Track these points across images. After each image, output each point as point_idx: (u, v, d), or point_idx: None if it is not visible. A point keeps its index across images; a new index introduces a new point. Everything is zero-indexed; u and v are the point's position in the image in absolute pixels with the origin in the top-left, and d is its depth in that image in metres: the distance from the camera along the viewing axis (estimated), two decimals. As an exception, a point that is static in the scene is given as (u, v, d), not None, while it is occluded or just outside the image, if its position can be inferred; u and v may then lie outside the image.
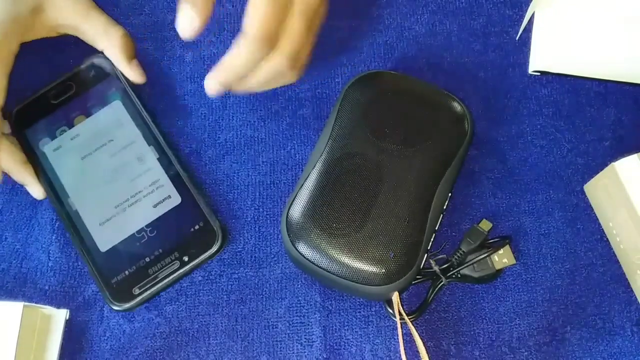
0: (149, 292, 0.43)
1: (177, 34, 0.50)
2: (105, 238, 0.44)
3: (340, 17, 0.52)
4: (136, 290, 0.43)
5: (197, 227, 0.44)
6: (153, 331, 0.44)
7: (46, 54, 0.50)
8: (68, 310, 0.44)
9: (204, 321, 0.44)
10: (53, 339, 0.43)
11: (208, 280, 0.45)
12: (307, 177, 0.43)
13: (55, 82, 0.48)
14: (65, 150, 0.46)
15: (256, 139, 0.48)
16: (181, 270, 0.43)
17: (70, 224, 0.45)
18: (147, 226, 0.44)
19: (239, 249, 0.46)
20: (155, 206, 0.45)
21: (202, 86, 0.44)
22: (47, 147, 0.46)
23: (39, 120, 0.47)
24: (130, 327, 0.44)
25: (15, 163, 0.45)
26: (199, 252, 0.44)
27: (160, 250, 0.44)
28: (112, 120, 0.47)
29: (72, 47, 0.49)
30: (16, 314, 0.39)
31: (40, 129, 0.47)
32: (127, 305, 0.43)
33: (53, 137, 0.47)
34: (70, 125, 0.47)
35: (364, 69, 0.49)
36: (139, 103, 0.47)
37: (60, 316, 0.43)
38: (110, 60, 0.48)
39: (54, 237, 0.46)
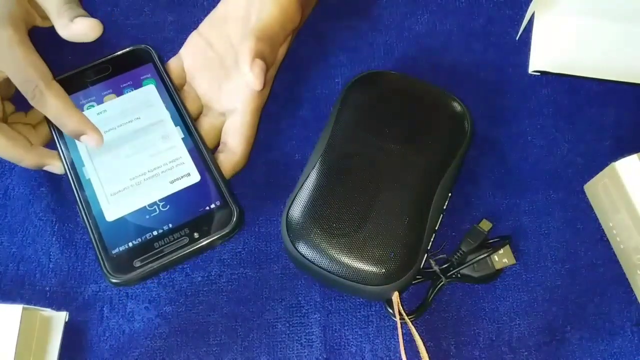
0: (151, 265, 0.41)
1: (177, 34, 0.51)
2: (114, 208, 0.43)
3: (340, 17, 0.52)
4: (137, 263, 0.41)
5: (213, 205, 0.43)
6: (153, 331, 0.44)
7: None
8: (67, 313, 0.44)
9: (204, 321, 0.44)
10: (52, 341, 0.42)
11: (207, 280, 0.45)
12: (307, 177, 0.43)
13: (92, 63, 0.48)
14: None
15: (255, 139, 0.48)
16: (189, 247, 0.41)
17: (79, 193, 0.44)
18: (160, 200, 0.43)
19: (239, 249, 0.46)
20: (172, 182, 0.44)
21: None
22: None
23: (70, 95, 0.46)
24: (130, 327, 0.44)
25: (27, 150, 0.44)
26: (211, 231, 0.42)
27: (170, 225, 0.42)
28: (143, 100, 0.46)
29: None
30: (15, 317, 0.39)
31: None
32: (124, 277, 0.40)
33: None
34: (100, 102, 0.47)
35: (363, 69, 0.49)
36: (173, 89, 0.47)
37: (59, 318, 0.43)
38: (150, 49, 0.48)
39: (54, 239, 0.46)
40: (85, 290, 0.45)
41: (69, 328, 0.44)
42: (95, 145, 0.44)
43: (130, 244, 0.42)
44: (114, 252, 0.42)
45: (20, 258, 0.45)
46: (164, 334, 0.44)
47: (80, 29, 0.47)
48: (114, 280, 0.41)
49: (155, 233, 0.42)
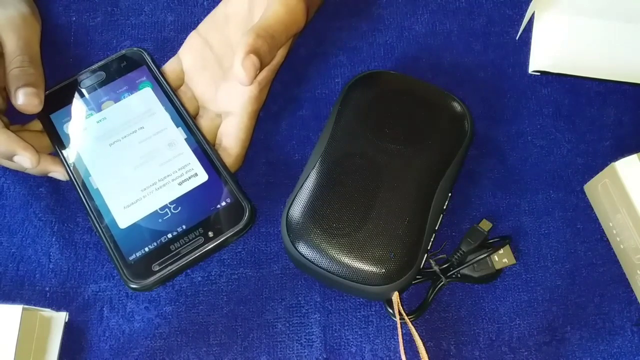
0: (169, 268, 0.41)
1: (177, 34, 0.51)
2: (126, 215, 0.43)
3: (340, 17, 0.52)
4: (156, 267, 0.41)
5: (223, 203, 0.43)
6: (153, 331, 0.44)
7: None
8: (67, 313, 0.44)
9: (204, 321, 0.44)
10: (52, 341, 0.42)
11: (207, 280, 0.45)
12: (307, 177, 0.43)
13: (85, 70, 0.48)
14: (90, 132, 0.46)
15: (255, 139, 0.48)
16: (205, 247, 0.41)
17: (89, 202, 0.43)
18: (170, 203, 0.43)
19: (239, 249, 0.46)
20: (180, 184, 0.44)
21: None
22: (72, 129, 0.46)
23: (66, 106, 0.46)
24: (130, 327, 0.44)
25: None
26: (225, 228, 0.42)
27: (184, 227, 0.42)
28: (142, 105, 0.46)
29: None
30: (15, 317, 0.39)
31: (67, 112, 0.46)
32: (145, 282, 0.40)
33: None
34: (98, 110, 0.46)
35: (364, 69, 0.49)
36: (169, 89, 0.46)
37: (59, 319, 0.43)
38: (142, 52, 0.48)
39: (53, 239, 0.46)
40: (85, 290, 0.45)
41: (69, 328, 0.44)
42: (29, 164, 0.43)
43: (147, 249, 0.42)
44: (130, 258, 0.42)
45: (20, 258, 0.45)
46: (164, 334, 0.44)
47: (19, 103, 0.43)
48: (133, 286, 0.41)
49: (170, 236, 0.42)
